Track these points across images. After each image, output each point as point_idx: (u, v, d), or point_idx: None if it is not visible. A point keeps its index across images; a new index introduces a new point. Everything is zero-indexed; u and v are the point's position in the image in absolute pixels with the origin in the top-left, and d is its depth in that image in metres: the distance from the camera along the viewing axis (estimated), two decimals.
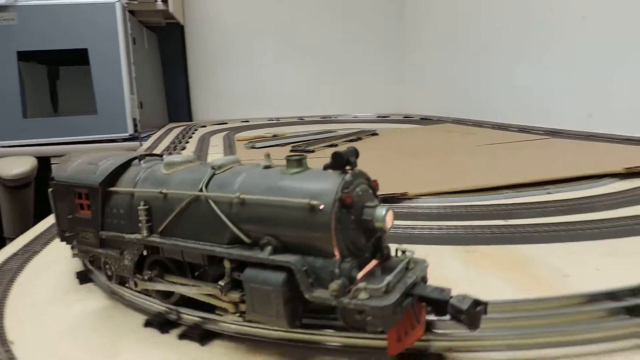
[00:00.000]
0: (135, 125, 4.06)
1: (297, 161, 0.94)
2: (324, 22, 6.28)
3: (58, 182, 1.23)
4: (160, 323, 1.06)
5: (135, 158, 1.20)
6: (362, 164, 0.92)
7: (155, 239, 1.06)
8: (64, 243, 1.27)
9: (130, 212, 1.10)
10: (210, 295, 1.01)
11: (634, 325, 0.90)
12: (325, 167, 0.92)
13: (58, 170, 1.26)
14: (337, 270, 0.84)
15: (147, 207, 1.06)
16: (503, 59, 4.95)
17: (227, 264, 0.96)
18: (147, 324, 1.08)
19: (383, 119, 5.72)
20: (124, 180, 1.15)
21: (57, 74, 4.72)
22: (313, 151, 3.08)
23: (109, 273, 1.17)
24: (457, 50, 5.73)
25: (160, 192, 1.05)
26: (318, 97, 6.28)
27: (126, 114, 3.94)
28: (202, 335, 1.01)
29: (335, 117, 5.88)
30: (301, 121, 5.55)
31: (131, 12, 4.36)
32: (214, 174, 1.02)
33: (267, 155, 1.00)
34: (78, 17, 3.83)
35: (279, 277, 0.87)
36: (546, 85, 4.37)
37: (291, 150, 3.10)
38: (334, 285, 0.81)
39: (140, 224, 1.07)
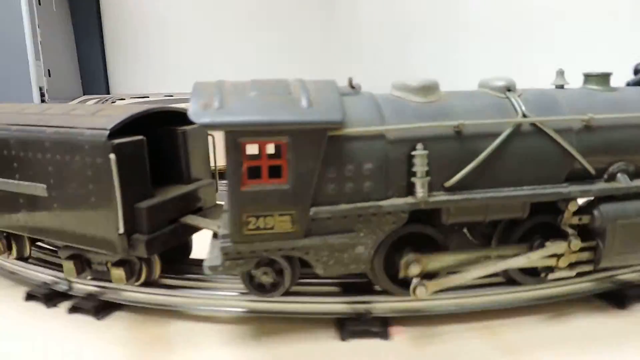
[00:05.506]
0: (42, 95, 3.70)
1: (602, 77, 0.82)
2: None
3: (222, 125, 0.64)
4: (45, 295, 0.88)
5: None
6: None
7: (442, 197, 0.71)
8: None
9: (384, 166, 0.69)
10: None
11: None
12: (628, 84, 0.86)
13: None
14: None
15: (426, 152, 0.69)
16: None
17: (572, 207, 0.75)
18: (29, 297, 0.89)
19: None
20: (354, 119, 0.70)
21: None
22: None
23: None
24: None
25: (454, 127, 0.70)
26: (260, 72, 5.83)
27: (31, 82, 3.60)
28: (97, 307, 0.83)
29: None
30: None
31: None
32: (508, 97, 0.76)
33: (561, 73, 0.82)
34: None
35: None
36: None
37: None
38: None
39: (414, 179, 0.69)
